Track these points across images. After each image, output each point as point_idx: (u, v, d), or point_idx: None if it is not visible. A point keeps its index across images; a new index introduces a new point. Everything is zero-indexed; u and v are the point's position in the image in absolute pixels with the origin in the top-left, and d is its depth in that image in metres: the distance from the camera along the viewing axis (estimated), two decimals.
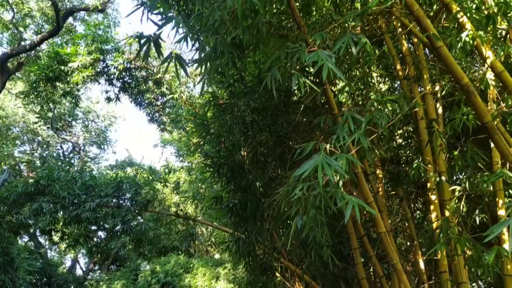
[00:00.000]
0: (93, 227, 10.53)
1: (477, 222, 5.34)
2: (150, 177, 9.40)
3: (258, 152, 5.90)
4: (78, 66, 10.86)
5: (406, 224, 6.94)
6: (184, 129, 12.80)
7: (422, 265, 6.08)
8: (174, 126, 12.84)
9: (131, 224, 8.53)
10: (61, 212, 9.25)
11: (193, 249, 20.43)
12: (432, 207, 5.17)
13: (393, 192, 6.80)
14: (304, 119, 6.32)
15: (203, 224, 9.50)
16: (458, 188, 5.15)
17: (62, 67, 10.73)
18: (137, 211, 8.69)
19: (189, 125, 12.72)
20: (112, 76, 11.82)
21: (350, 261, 7.57)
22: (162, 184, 9.82)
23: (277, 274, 7.69)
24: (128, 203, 8.69)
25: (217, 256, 19.35)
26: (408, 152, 6.68)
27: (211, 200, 6.43)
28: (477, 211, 5.31)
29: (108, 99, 13.07)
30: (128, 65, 12.05)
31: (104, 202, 8.85)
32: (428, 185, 5.17)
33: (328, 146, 3.08)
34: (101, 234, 13.00)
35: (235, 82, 5.56)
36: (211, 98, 5.54)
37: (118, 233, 8.41)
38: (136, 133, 46.97)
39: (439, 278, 4.98)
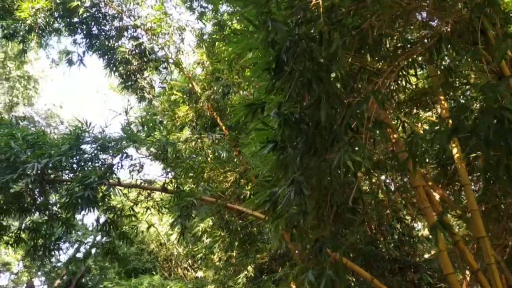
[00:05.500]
0: (40, 214, 7.34)
1: None
2: (126, 132, 6.37)
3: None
4: None
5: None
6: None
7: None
8: (158, 92, 9.87)
9: (95, 189, 5.44)
10: None
11: (168, 272, 17.68)
12: None
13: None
14: None
15: (205, 201, 6.51)
16: None
17: None
18: (103, 174, 5.68)
19: (175, 92, 9.89)
20: (75, 20, 8.91)
21: None
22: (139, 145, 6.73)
23: None
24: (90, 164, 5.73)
25: (200, 274, 16.04)
26: None
27: (242, 111, 3.63)
28: None
29: (69, 62, 10.16)
30: (97, 13, 9.27)
31: (56, 164, 5.81)
32: None
33: None
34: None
35: None
36: None
37: (78, 203, 5.34)
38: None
39: None
